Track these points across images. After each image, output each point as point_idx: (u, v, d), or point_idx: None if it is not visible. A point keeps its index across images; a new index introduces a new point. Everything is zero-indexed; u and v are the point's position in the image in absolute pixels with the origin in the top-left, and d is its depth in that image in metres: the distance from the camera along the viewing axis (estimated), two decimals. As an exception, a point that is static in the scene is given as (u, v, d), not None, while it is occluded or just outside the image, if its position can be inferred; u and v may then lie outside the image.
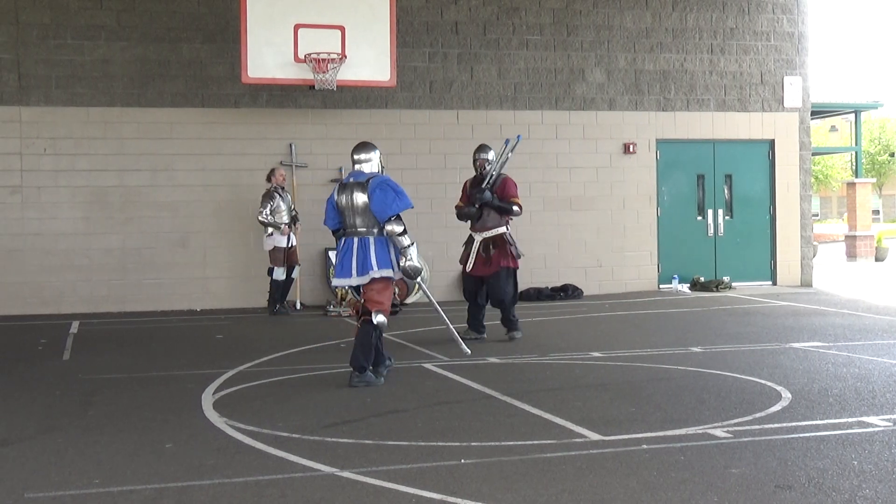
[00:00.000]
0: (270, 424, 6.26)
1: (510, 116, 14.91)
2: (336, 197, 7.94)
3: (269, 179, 13.11)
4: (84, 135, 13.61)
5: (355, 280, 7.78)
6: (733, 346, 9.66)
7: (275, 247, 12.94)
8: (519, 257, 10.13)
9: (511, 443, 5.72)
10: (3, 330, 11.87)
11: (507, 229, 10.11)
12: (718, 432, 5.90)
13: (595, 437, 5.85)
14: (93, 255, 13.61)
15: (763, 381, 7.56)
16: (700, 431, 5.93)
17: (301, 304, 13.50)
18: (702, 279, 15.55)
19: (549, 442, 5.74)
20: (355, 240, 7.83)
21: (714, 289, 15.28)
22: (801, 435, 5.83)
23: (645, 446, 5.59)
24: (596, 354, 9.11)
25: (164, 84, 13.83)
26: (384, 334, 8.08)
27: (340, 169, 14.21)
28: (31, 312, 13.29)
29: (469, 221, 10.30)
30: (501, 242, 10.01)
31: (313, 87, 13.29)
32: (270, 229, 12.91)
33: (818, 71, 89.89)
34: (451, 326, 9.36)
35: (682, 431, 5.94)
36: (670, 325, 11.45)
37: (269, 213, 12.86)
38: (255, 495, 4.79)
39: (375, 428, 6.20)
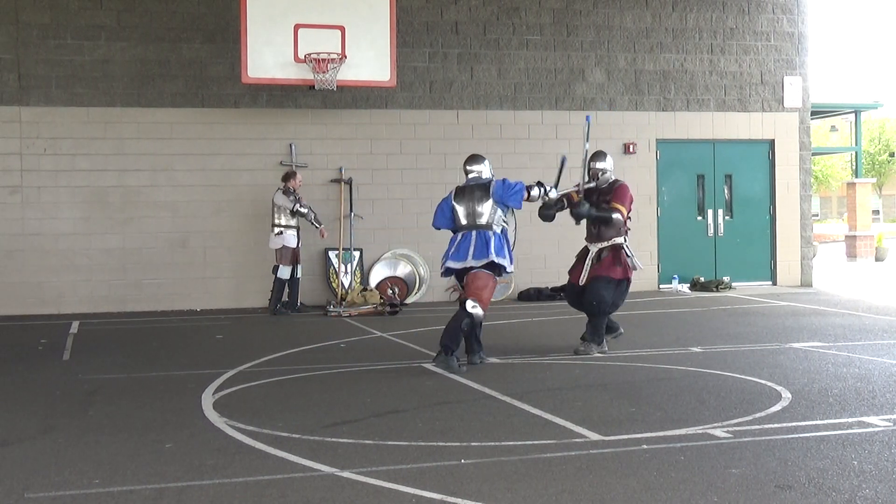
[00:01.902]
0: (270, 424, 6.26)
1: (510, 116, 14.92)
2: (453, 200, 8.83)
3: (285, 180, 13.12)
4: (84, 135, 13.61)
5: (470, 262, 8.51)
6: (733, 346, 9.66)
7: (283, 245, 12.97)
8: (634, 269, 9.27)
9: (511, 443, 5.72)
10: (3, 330, 11.87)
11: (626, 240, 9.27)
12: (718, 432, 5.89)
13: (595, 437, 5.85)
14: (93, 255, 13.61)
15: (763, 381, 7.56)
16: (700, 431, 5.93)
17: (301, 303, 13.48)
18: (702, 279, 15.56)
19: (549, 442, 5.73)
20: (474, 232, 8.62)
21: (714, 289, 15.28)
22: (801, 435, 5.83)
23: (645, 446, 5.59)
24: (596, 354, 9.09)
25: (164, 84, 13.83)
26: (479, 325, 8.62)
27: (341, 169, 14.23)
28: (31, 312, 13.30)
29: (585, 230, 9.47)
30: (616, 250, 9.18)
31: (313, 87, 13.30)
32: (278, 228, 12.96)
33: (818, 71, 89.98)
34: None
35: (682, 431, 5.94)
36: (670, 325, 11.45)
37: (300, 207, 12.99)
38: (255, 495, 4.79)
39: (375, 428, 6.19)
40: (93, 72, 13.64)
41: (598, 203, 9.27)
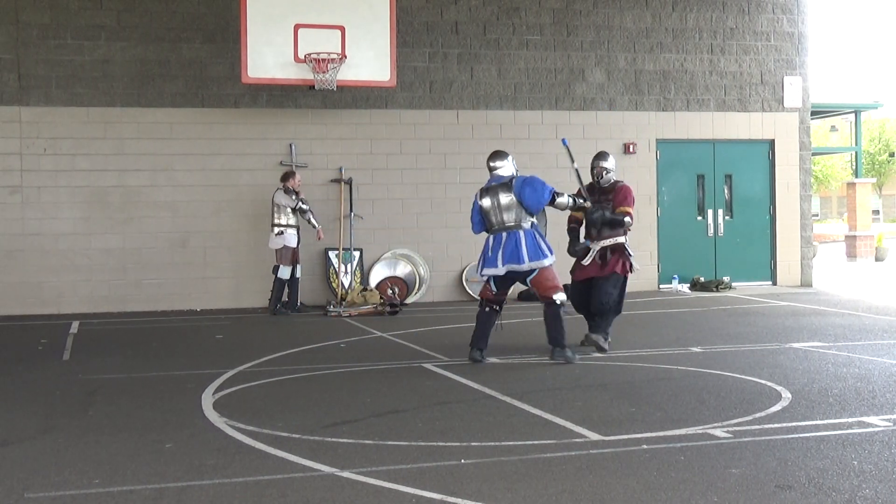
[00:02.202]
0: (270, 424, 6.26)
1: (510, 116, 14.92)
2: (479, 201, 8.79)
3: (284, 180, 13.14)
4: (84, 135, 13.61)
5: (501, 268, 8.53)
6: (733, 346, 9.66)
7: (284, 245, 12.98)
8: (632, 270, 9.50)
9: (511, 443, 5.72)
10: (3, 330, 11.87)
11: (626, 240, 9.47)
12: (718, 432, 5.89)
13: (595, 437, 5.85)
14: (93, 256, 13.61)
15: (763, 381, 7.56)
16: (700, 431, 5.93)
17: (301, 303, 13.47)
18: (702, 279, 15.55)
19: (549, 442, 5.73)
20: (504, 234, 8.60)
21: (714, 289, 15.27)
22: (801, 435, 5.83)
23: (645, 446, 5.59)
24: (596, 354, 9.09)
25: (163, 84, 13.83)
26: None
27: (341, 169, 14.23)
28: (31, 312, 13.30)
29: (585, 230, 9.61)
30: (620, 249, 9.39)
31: (313, 87, 13.30)
32: (279, 228, 12.96)
33: (818, 71, 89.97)
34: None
35: (682, 431, 5.94)
36: (670, 325, 11.44)
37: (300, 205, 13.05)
38: (255, 495, 4.79)
39: (375, 428, 6.19)
40: (93, 72, 13.64)
41: (601, 202, 9.42)
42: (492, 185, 8.78)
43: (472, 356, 8.68)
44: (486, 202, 8.73)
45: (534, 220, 8.69)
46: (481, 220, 8.83)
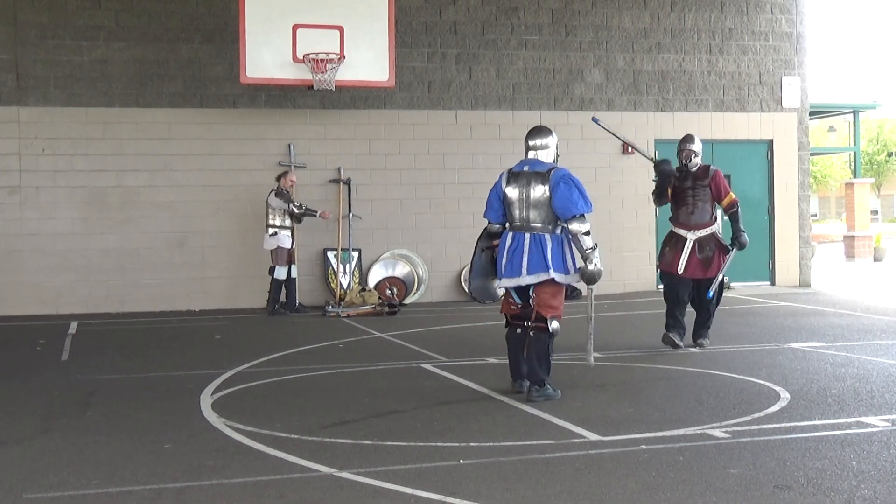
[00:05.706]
0: (269, 425, 6.26)
1: (509, 117, 14.91)
2: (504, 186, 7.14)
3: (278, 180, 13.15)
4: (82, 135, 13.61)
5: (525, 280, 6.94)
6: (732, 346, 9.66)
7: (278, 246, 12.98)
8: (728, 255, 9.43)
9: (510, 443, 5.72)
10: (2, 330, 11.85)
11: (718, 227, 9.52)
12: (717, 432, 5.90)
13: (594, 437, 5.85)
14: (91, 256, 13.60)
15: (762, 382, 7.57)
16: (699, 432, 5.94)
17: (300, 303, 13.46)
18: (700, 279, 15.54)
19: (548, 442, 5.74)
20: (527, 236, 6.99)
21: (713, 289, 15.24)
22: (800, 435, 5.83)
23: (644, 447, 5.59)
24: (595, 354, 9.07)
25: (162, 84, 13.82)
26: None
27: (339, 169, 14.22)
28: (30, 313, 13.28)
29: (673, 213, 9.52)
30: (719, 242, 9.39)
31: (312, 87, 13.29)
32: (273, 229, 12.97)
33: (817, 71, 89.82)
34: (592, 338, 7.58)
35: (681, 432, 5.94)
36: (669, 326, 11.43)
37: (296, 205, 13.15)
38: (254, 496, 4.79)
39: (375, 428, 6.20)
40: (91, 72, 13.63)
41: (695, 187, 9.40)
42: (524, 169, 7.16)
43: (532, 396, 6.95)
44: (513, 191, 7.08)
45: (567, 224, 6.98)
46: (501, 209, 7.17)
